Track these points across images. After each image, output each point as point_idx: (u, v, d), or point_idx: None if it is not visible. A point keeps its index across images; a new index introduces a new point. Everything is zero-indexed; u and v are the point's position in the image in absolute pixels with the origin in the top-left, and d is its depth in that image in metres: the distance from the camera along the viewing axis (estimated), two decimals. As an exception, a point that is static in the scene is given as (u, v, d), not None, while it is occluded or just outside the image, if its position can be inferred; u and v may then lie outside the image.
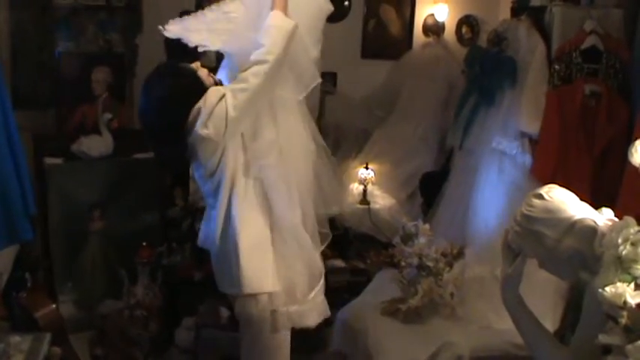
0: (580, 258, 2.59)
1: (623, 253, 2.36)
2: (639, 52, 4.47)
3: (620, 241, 2.39)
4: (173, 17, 3.33)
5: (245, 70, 3.18)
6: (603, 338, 2.32)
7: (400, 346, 4.07)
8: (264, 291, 3.31)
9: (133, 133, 5.53)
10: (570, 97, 4.50)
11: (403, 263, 4.42)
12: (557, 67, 4.59)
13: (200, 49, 3.29)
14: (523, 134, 4.73)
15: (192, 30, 3.35)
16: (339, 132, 6.38)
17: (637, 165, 2.98)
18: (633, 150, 2.97)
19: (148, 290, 5.08)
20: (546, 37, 4.76)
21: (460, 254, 4.54)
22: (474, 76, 5.15)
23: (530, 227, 2.69)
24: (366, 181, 6.20)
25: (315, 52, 3.44)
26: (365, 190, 6.20)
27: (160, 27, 3.29)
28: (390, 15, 6.85)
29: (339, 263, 5.57)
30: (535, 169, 4.61)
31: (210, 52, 3.46)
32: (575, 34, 4.59)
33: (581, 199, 2.75)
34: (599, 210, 2.71)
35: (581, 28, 4.55)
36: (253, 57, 3.16)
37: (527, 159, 4.72)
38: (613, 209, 2.73)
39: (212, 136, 3.12)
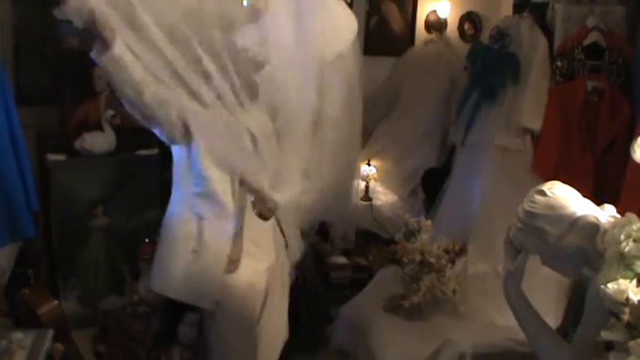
0: (582, 255, 2.60)
1: (626, 249, 2.37)
2: (642, 48, 4.48)
3: (622, 237, 2.40)
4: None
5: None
6: (605, 335, 2.33)
7: (402, 342, 4.07)
8: None
9: (136, 130, 5.54)
10: (572, 93, 4.50)
11: (405, 260, 4.42)
12: (559, 63, 4.59)
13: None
14: (525, 131, 4.73)
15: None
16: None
17: (639, 161, 2.98)
18: (636, 146, 2.97)
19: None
20: (548, 34, 4.76)
21: (462, 251, 4.55)
22: (476, 73, 5.15)
23: (533, 224, 2.69)
24: (369, 177, 6.21)
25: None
26: (367, 187, 6.21)
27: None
28: (392, 12, 6.84)
29: (341, 260, 5.57)
30: (537, 165, 4.61)
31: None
32: (577, 31, 4.58)
33: (584, 196, 2.75)
34: (601, 206, 2.71)
35: (584, 25, 4.55)
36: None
37: (529, 155, 4.72)
38: (615, 206, 2.73)
39: None
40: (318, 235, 5.31)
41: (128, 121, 5.17)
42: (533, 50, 4.74)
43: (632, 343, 2.22)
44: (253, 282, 3.37)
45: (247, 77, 3.30)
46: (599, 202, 2.75)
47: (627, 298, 2.27)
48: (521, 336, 2.94)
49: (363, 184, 6.20)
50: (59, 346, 3.80)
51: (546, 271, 2.81)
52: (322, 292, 4.88)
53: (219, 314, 3.38)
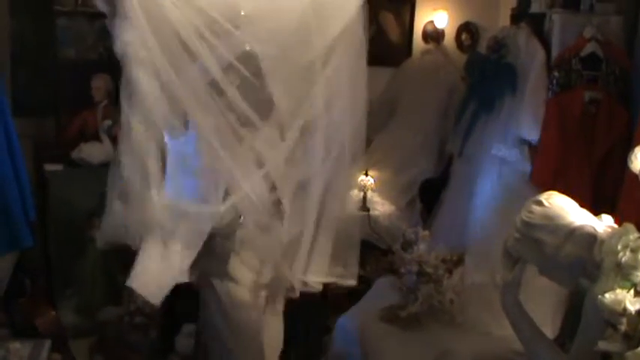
0: (580, 265, 2.60)
1: (623, 259, 2.37)
2: (639, 59, 4.48)
3: (619, 247, 2.40)
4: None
5: None
6: (603, 345, 2.33)
7: (399, 352, 4.06)
8: None
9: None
10: (570, 104, 4.50)
11: (403, 270, 4.41)
12: (556, 74, 4.58)
13: None
14: (523, 141, 4.73)
15: None
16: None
17: (637, 172, 2.98)
18: (633, 157, 2.97)
19: (147, 297, 5.08)
20: (546, 44, 4.76)
21: (460, 261, 4.54)
22: (473, 83, 5.16)
23: (530, 234, 2.69)
24: (366, 187, 6.19)
25: None
26: (364, 197, 6.20)
27: None
28: (389, 22, 6.85)
29: (338, 270, 5.55)
30: (535, 175, 4.61)
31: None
32: (574, 41, 4.59)
33: (581, 206, 2.75)
34: (598, 217, 2.72)
35: (581, 35, 4.55)
36: None
37: (526, 166, 4.72)
38: (613, 216, 2.73)
39: None
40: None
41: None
42: (531, 61, 4.75)
43: (629, 354, 2.22)
44: (254, 294, 3.38)
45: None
46: (596, 213, 2.75)
47: (624, 309, 2.27)
48: (518, 346, 2.94)
49: (360, 194, 6.20)
50: (57, 357, 3.80)
51: (544, 281, 2.81)
52: (319, 302, 4.87)
53: (222, 324, 3.39)
